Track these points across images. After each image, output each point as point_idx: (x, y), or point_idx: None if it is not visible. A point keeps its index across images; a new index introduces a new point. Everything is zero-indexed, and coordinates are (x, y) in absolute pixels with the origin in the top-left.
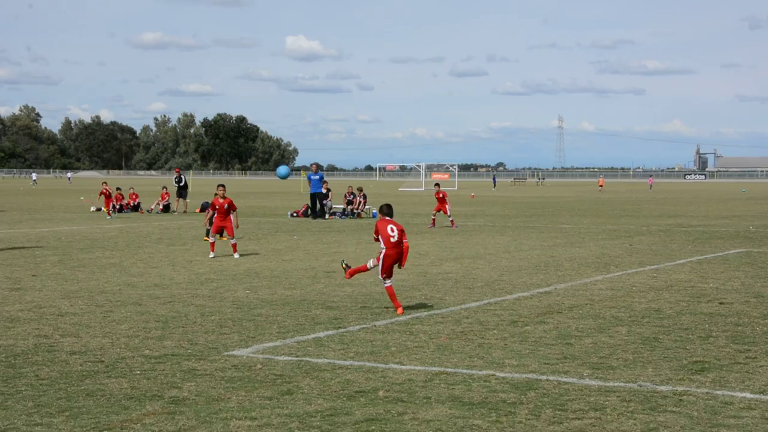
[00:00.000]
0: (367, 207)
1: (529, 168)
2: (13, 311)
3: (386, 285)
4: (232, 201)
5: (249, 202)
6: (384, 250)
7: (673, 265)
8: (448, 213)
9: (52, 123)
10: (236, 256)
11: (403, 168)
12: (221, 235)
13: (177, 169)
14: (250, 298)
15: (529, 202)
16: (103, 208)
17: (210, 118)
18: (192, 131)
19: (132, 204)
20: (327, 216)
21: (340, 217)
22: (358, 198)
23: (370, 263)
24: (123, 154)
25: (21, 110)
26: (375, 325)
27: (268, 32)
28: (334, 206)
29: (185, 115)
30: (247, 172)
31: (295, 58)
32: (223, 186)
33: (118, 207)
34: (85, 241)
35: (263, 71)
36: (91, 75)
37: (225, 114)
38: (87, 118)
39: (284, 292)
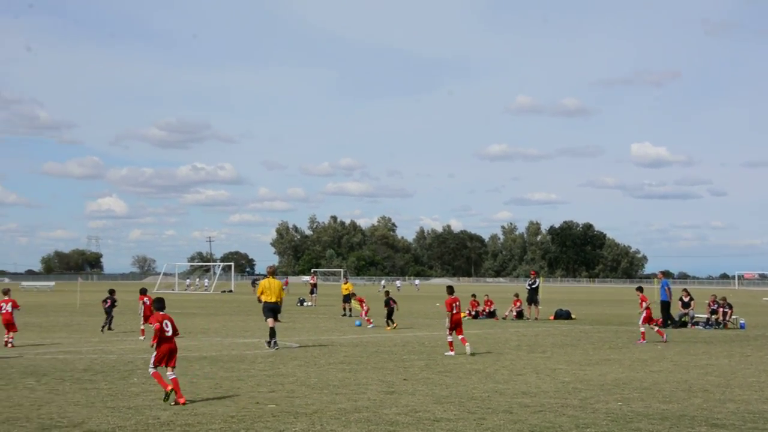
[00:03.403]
0: (734, 317)
1: None
2: (391, 414)
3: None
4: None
5: (602, 310)
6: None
7: None
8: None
9: (406, 233)
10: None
11: (763, 276)
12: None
13: (533, 272)
14: (625, 411)
15: None
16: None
17: (556, 225)
18: (539, 239)
19: (487, 310)
20: (689, 325)
21: (704, 327)
22: (722, 308)
23: None
24: (472, 262)
25: (379, 221)
26: None
27: (613, 140)
28: (696, 315)
29: (531, 223)
30: (595, 279)
31: (641, 164)
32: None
33: (473, 313)
34: (447, 346)
35: (608, 179)
36: (441, 186)
37: (571, 221)
38: (438, 228)
39: (659, 405)
